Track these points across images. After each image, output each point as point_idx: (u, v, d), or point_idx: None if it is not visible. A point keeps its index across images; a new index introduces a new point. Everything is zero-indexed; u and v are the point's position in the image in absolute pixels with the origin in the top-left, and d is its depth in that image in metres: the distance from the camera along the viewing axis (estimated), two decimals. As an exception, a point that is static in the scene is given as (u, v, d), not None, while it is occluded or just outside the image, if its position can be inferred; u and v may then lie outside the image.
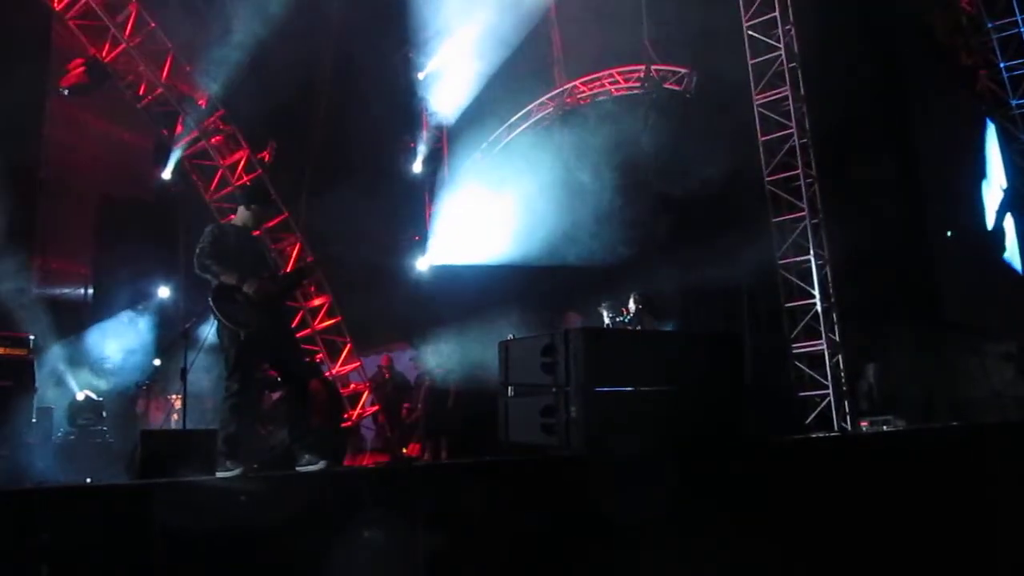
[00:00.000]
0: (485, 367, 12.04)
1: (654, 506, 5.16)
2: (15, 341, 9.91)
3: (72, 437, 10.32)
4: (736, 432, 6.13)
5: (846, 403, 11.40)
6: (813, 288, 11.71)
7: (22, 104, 13.00)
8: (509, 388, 6.14)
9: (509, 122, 14.75)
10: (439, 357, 11.71)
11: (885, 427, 10.42)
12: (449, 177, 14.82)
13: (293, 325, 12.00)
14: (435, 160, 15.50)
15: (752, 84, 12.25)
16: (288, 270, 10.57)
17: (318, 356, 13.09)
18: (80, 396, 10.87)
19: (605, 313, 9.15)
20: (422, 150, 15.47)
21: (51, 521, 3.76)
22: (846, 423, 11.23)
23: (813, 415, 11.49)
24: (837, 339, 11.62)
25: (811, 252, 11.75)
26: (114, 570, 3.81)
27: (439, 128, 15.37)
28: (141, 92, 12.91)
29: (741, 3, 12.27)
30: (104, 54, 12.53)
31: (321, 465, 5.47)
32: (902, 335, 11.81)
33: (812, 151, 11.98)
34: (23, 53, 12.70)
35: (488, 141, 14.67)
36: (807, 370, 11.67)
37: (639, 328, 8.86)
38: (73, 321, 13.61)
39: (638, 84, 13.82)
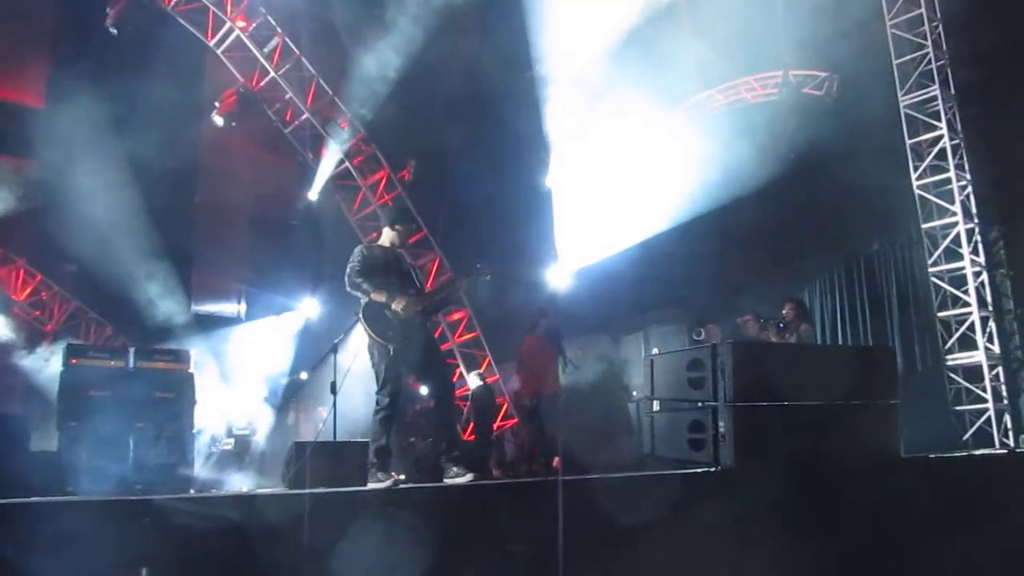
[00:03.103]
0: (621, 378, 12.02)
1: (806, 524, 5.01)
2: (177, 355, 10.49)
3: (229, 448, 10.87)
4: (891, 449, 5.88)
5: (1007, 418, 10.74)
6: (969, 297, 11.09)
7: (180, 133, 13.87)
8: (655, 403, 6.09)
9: (642, 132, 14.61)
10: (573, 368, 11.70)
11: (1053, 444, 9.76)
12: (580, 188, 14.81)
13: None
14: (567, 172, 15.54)
15: (897, 85, 11.76)
16: (429, 286, 10.82)
17: (457, 370, 13.32)
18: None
19: (750, 323, 8.87)
20: (554, 163, 15.55)
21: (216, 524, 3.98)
22: (1008, 439, 10.57)
23: (971, 431, 10.87)
24: (997, 350, 10.97)
25: (966, 259, 11.14)
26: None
27: (569, 141, 15.40)
28: (288, 118, 13.52)
29: (884, 1, 11.81)
30: (254, 83, 13.19)
31: (469, 478, 5.56)
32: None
33: (965, 152, 11.39)
34: (181, 87, 13.52)
35: (620, 151, 14.58)
36: (964, 383, 11.06)
37: (794, 335, 8.56)
38: (227, 335, 14.38)
39: (775, 91, 13.47)
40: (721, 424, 5.23)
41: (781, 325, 8.69)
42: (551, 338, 10.26)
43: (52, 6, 14.17)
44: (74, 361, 9.48)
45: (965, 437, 10.85)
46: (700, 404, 5.49)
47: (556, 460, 10.16)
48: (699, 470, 5.35)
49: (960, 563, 5.23)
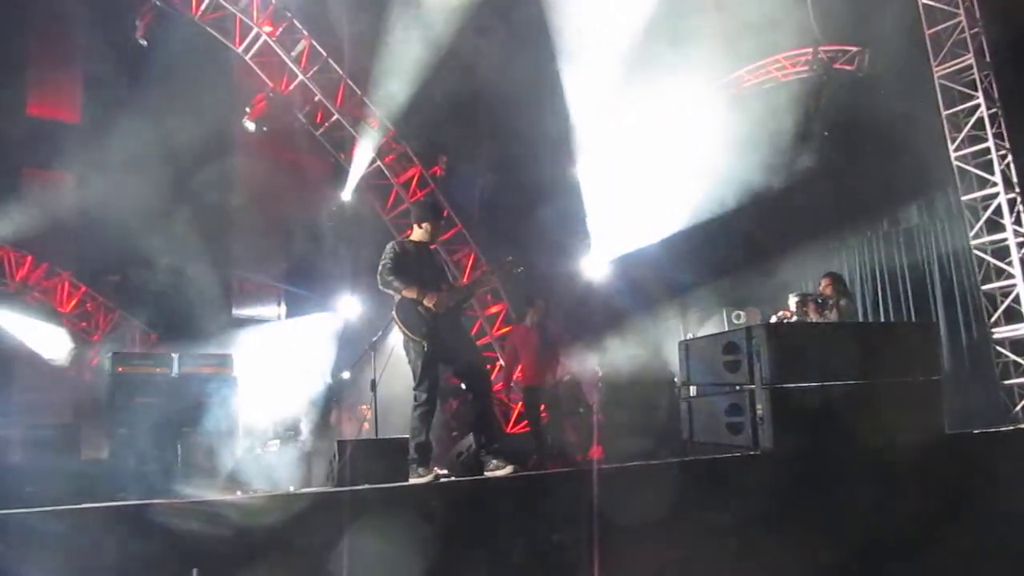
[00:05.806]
0: (659, 366, 11.96)
1: (850, 506, 4.95)
2: (220, 360, 10.69)
3: (274, 449, 11.02)
4: (935, 425, 5.79)
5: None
6: (1013, 268, 10.87)
7: (214, 140, 14.06)
8: (691, 388, 6.06)
9: (671, 117, 14.50)
10: (611, 358, 11.65)
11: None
12: (613, 175, 14.74)
13: (472, 333, 12.30)
14: (598, 160, 15.48)
15: (930, 55, 11.54)
16: (465, 280, 10.84)
17: (497, 363, 13.33)
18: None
19: (792, 300, 8.72)
20: (585, 152, 15.48)
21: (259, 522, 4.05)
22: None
23: (1020, 405, 10.67)
24: (1044, 322, 10.75)
25: (1008, 230, 10.92)
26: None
27: (598, 129, 15.32)
28: (318, 120, 13.62)
29: (913, -30, 11.59)
30: (283, 87, 13.31)
31: (509, 470, 5.57)
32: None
33: (1003, 121, 11.14)
34: (212, 94, 13.69)
35: (650, 136, 14.48)
36: (1011, 356, 10.85)
37: (834, 311, 8.40)
38: (269, 338, 14.56)
39: (806, 68, 13.25)
40: (759, 406, 5.18)
41: (819, 301, 8.53)
42: (540, 330, 9.78)
43: (82, 22, 14.42)
44: (120, 369, 9.73)
45: (1015, 411, 10.66)
46: (737, 387, 5.45)
47: (594, 450, 10.13)
48: (739, 454, 5.32)
49: (1008, 539, 5.14)
